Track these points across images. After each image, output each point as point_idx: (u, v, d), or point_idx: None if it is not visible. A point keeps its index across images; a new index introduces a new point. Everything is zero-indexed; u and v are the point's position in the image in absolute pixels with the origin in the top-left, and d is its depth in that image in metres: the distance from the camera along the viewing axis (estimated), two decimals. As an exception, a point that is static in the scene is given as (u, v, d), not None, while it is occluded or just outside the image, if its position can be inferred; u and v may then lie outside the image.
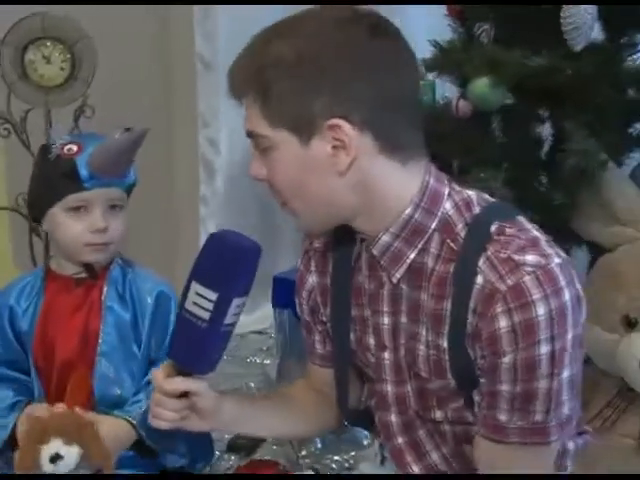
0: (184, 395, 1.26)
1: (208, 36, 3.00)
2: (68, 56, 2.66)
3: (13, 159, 2.99)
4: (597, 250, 2.15)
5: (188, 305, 1.19)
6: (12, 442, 1.57)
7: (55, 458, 1.44)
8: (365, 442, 2.16)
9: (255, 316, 3.27)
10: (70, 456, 1.44)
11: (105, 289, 1.62)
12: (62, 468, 1.45)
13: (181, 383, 1.25)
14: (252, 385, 2.69)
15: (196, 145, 3.12)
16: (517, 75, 1.83)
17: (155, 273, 1.74)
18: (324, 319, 1.44)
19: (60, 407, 1.49)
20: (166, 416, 1.27)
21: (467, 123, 1.98)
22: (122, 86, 3.03)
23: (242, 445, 2.22)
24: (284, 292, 2.38)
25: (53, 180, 1.54)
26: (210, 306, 1.17)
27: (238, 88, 1.22)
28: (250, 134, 1.23)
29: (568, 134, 1.85)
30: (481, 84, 1.87)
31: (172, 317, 1.63)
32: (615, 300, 2.02)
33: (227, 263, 1.18)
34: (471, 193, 1.26)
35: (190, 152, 3.15)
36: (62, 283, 1.63)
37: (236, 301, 1.18)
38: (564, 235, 2.04)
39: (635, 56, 2.07)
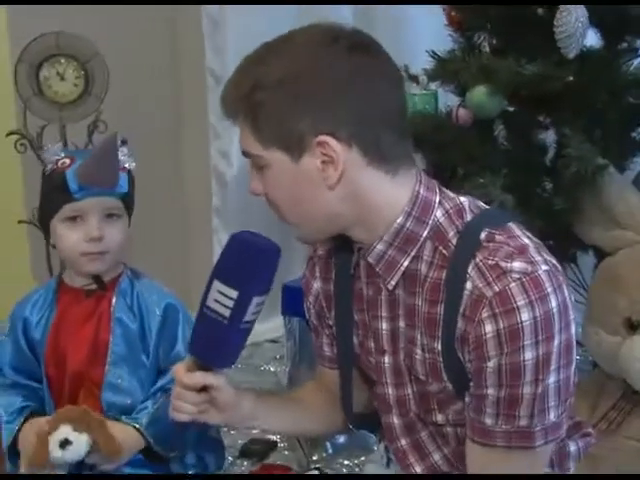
0: (204, 389, 1.31)
1: (218, 50, 3.03)
2: (82, 73, 2.72)
3: (30, 174, 3.04)
4: (602, 254, 2.17)
5: (210, 302, 1.23)
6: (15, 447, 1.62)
7: (64, 443, 1.48)
8: (375, 447, 2.18)
9: (269, 325, 3.26)
10: (79, 443, 1.49)
11: (114, 300, 1.66)
12: (71, 454, 1.48)
13: (201, 377, 1.29)
14: (264, 392, 2.69)
15: (208, 157, 3.15)
16: (512, 83, 1.85)
17: (163, 285, 1.77)
18: (330, 323, 1.48)
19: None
20: (186, 409, 1.32)
21: (468, 131, 2.01)
22: (134, 101, 3.08)
23: (255, 450, 2.25)
24: (293, 300, 2.38)
25: (49, 194, 1.61)
26: (231, 304, 1.21)
27: (229, 110, 1.28)
28: (246, 154, 1.28)
29: (566, 140, 1.87)
30: (478, 92, 1.90)
31: (180, 328, 1.68)
32: (616, 303, 2.04)
33: (247, 263, 1.23)
34: (464, 200, 1.29)
35: (202, 164, 3.18)
36: (73, 295, 1.68)
37: (256, 299, 1.23)
38: (569, 240, 2.07)
39: (634, 62, 2.09)
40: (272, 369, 3.01)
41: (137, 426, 1.60)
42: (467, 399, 1.26)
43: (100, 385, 1.63)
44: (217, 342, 1.26)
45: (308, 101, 1.20)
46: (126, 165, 1.64)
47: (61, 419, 1.51)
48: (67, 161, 1.58)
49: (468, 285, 1.20)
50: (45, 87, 2.73)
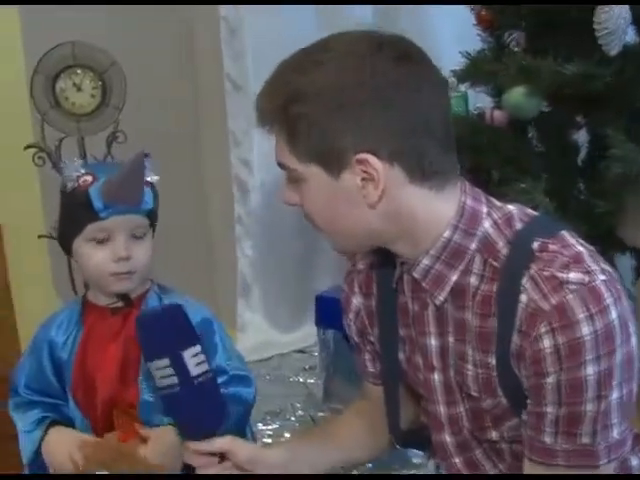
0: (223, 458, 1.33)
1: (236, 56, 2.98)
2: (99, 83, 2.67)
3: (49, 187, 2.99)
4: (642, 257, 2.11)
5: (158, 384, 1.32)
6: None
7: None
8: (415, 460, 2.13)
9: (296, 335, 3.28)
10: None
11: None
12: None
13: (207, 445, 1.32)
14: (298, 405, 2.67)
15: (229, 165, 3.11)
16: (553, 83, 1.79)
17: (192, 297, 1.71)
18: (372, 339, 1.44)
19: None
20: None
21: (503, 133, 1.94)
22: (152, 110, 3.03)
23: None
24: (328, 311, 2.38)
25: (71, 212, 1.54)
26: (170, 370, 1.29)
27: (265, 120, 1.22)
28: (280, 165, 1.23)
29: (608, 140, 1.80)
30: (516, 94, 1.84)
31: (216, 339, 1.63)
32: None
33: (157, 331, 1.33)
34: (512, 208, 1.24)
35: (223, 172, 3.14)
36: (99, 313, 1.62)
37: (187, 353, 1.30)
38: (608, 243, 2.00)
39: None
40: (301, 380, 2.96)
41: None
42: (524, 417, 1.21)
43: (135, 405, 1.57)
44: (189, 410, 1.31)
45: (350, 116, 1.14)
46: (149, 179, 1.58)
47: (93, 463, 1.47)
48: (89, 178, 1.52)
49: (523, 298, 1.15)
50: (62, 99, 2.67)
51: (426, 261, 1.22)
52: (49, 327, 1.64)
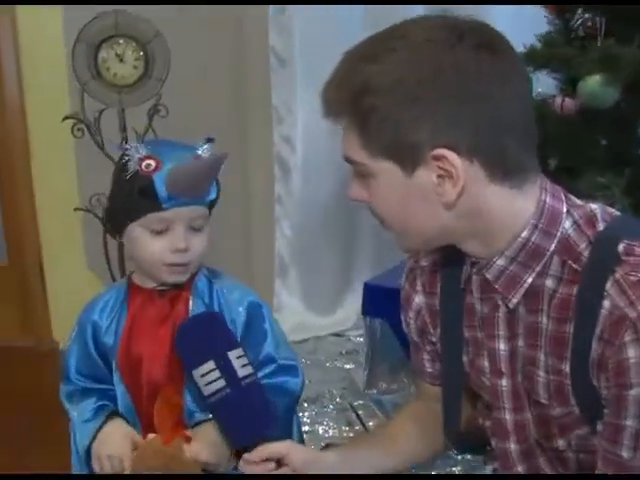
0: (279, 464, 1.30)
1: (282, 31, 2.90)
2: (141, 54, 2.61)
3: (87, 160, 2.95)
4: None
5: (206, 392, 1.31)
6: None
7: None
8: (459, 457, 2.06)
9: (333, 318, 3.23)
10: None
11: (191, 301, 1.54)
12: None
13: (262, 450, 1.29)
14: (335, 392, 2.60)
15: (270, 143, 3.04)
16: (633, 72, 1.68)
17: (240, 281, 1.65)
18: (433, 339, 1.38)
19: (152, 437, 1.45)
20: None
21: (571, 122, 1.85)
22: (195, 84, 2.98)
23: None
24: (376, 300, 2.33)
25: (131, 197, 1.44)
26: (217, 373, 1.30)
27: (333, 111, 1.15)
28: (348, 159, 1.16)
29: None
30: (593, 82, 1.75)
31: (266, 325, 1.56)
32: None
33: (198, 337, 1.35)
34: (594, 207, 1.17)
35: (264, 150, 3.07)
36: (145, 296, 1.56)
37: (232, 354, 1.32)
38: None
39: None
40: (339, 365, 2.90)
41: None
42: (599, 427, 1.15)
43: (181, 391, 1.51)
44: (241, 412, 1.31)
45: (427, 109, 1.06)
46: None
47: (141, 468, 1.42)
48: (152, 163, 1.43)
49: (606, 304, 1.08)
50: (103, 69, 2.62)
51: (500, 262, 1.16)
52: (92, 310, 1.58)
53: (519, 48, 2.06)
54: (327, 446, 2.14)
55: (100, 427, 1.49)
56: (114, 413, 1.52)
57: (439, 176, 1.09)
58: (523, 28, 2.22)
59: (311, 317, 3.21)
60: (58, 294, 3.39)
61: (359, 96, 1.08)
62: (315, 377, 2.73)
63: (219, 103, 3.04)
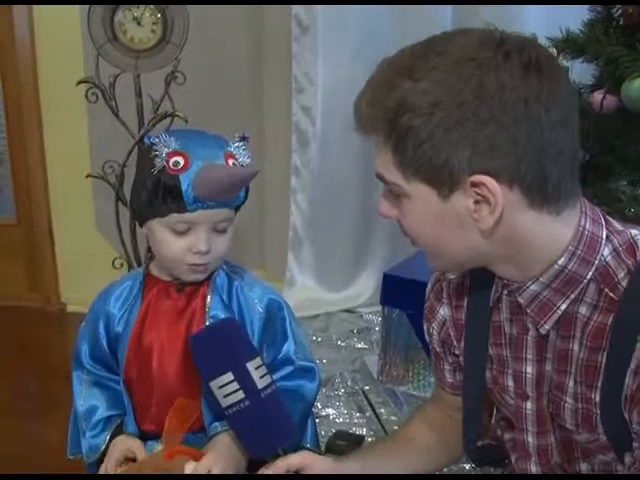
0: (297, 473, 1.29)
1: (306, -2, 2.81)
2: (159, 18, 2.52)
3: (101, 125, 2.88)
4: None
5: (224, 403, 1.28)
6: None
7: None
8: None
9: (344, 295, 3.19)
10: None
11: (209, 297, 1.49)
12: None
13: (282, 462, 1.28)
14: (346, 375, 2.57)
15: (289, 113, 2.97)
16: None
17: (261, 279, 1.60)
18: (456, 352, 1.34)
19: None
20: None
21: (609, 119, 1.77)
22: (214, 51, 2.90)
23: (340, 447, 2.11)
24: (394, 291, 2.29)
25: (155, 194, 1.39)
26: (236, 385, 1.27)
27: (366, 126, 1.08)
28: (380, 177, 1.10)
29: None
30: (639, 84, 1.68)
31: (286, 324, 1.53)
32: None
33: (218, 346, 1.31)
34: (635, 232, 1.11)
35: (283, 120, 2.99)
36: (162, 288, 1.51)
37: (250, 365, 1.28)
38: None
39: None
40: (350, 344, 2.87)
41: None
42: (628, 460, 1.12)
43: (198, 391, 1.46)
44: (260, 424, 1.29)
45: (467, 133, 1.00)
46: (244, 164, 1.43)
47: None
48: (181, 161, 1.37)
49: None
50: (120, 33, 2.52)
51: (534, 287, 1.11)
52: (107, 299, 1.54)
53: (557, 33, 2.00)
54: (337, 433, 2.13)
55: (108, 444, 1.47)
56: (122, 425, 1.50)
57: (476, 202, 1.03)
58: (563, 11, 2.15)
59: (323, 293, 3.17)
60: (67, 255, 3.36)
61: (395, 115, 1.02)
62: (326, 356, 2.72)
63: (238, 71, 2.97)
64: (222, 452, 1.39)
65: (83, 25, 2.60)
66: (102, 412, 1.51)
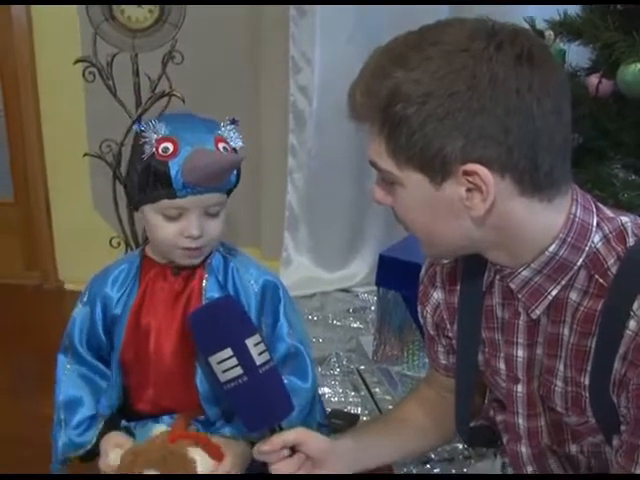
0: (294, 451, 1.29)
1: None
2: (157, -4, 2.52)
3: (98, 104, 2.88)
4: None
5: (222, 379, 1.28)
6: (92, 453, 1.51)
7: None
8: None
9: (340, 274, 3.20)
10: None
11: (205, 279, 1.51)
12: None
13: (277, 438, 1.27)
14: (342, 354, 2.60)
15: (286, 92, 2.96)
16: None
17: (257, 260, 1.61)
18: (450, 335, 1.36)
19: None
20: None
21: (604, 103, 1.78)
22: (212, 31, 2.89)
23: (337, 426, 2.14)
24: (390, 272, 2.30)
25: (145, 180, 1.40)
26: (235, 360, 1.27)
27: (359, 115, 1.09)
28: (374, 165, 1.11)
29: None
30: (635, 69, 1.68)
31: (281, 306, 1.54)
32: None
33: (216, 323, 1.31)
34: (625, 220, 1.13)
35: (280, 100, 2.99)
36: (159, 271, 1.52)
37: (249, 342, 1.28)
38: None
39: None
40: (346, 323, 2.89)
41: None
42: (615, 442, 1.12)
43: (193, 372, 1.49)
44: (258, 400, 1.28)
45: (460, 123, 1.01)
46: (235, 147, 1.44)
47: (143, 463, 1.39)
48: (170, 147, 1.37)
49: (632, 325, 1.05)
50: (117, 12, 2.52)
51: (526, 273, 1.13)
52: (104, 281, 1.54)
53: (555, 15, 2.00)
54: (333, 412, 2.16)
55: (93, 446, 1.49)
56: (108, 423, 1.51)
57: (468, 190, 1.05)
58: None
59: (319, 272, 3.18)
60: (64, 234, 3.36)
61: (389, 105, 1.03)
62: (321, 335, 2.75)
63: (235, 50, 2.96)
64: (237, 455, 1.44)
65: (80, 4, 2.60)
66: (87, 410, 1.52)
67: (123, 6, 2.51)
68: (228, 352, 1.26)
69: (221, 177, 1.39)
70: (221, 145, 1.39)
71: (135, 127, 1.43)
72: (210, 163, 1.36)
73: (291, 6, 2.80)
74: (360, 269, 3.19)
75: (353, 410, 2.27)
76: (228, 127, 1.43)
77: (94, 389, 1.54)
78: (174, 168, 1.36)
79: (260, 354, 1.29)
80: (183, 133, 1.38)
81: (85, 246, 3.22)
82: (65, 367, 1.56)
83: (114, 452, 1.45)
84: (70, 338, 1.55)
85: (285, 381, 1.41)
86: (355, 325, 2.85)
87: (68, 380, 1.55)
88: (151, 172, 1.37)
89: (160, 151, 1.36)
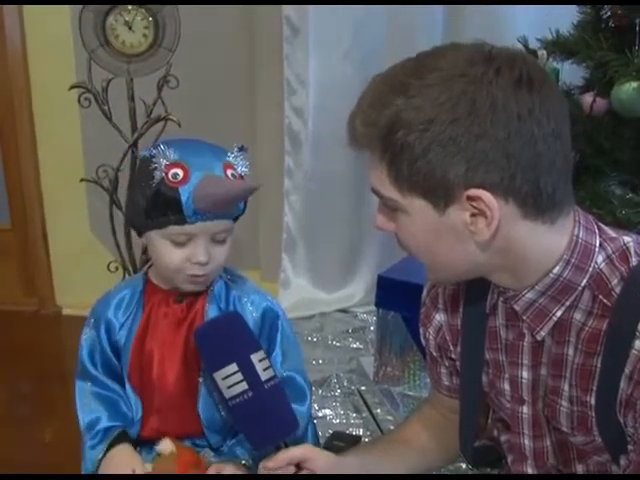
0: (299, 468, 1.29)
1: (297, -1, 2.81)
2: (151, 22, 2.52)
3: (94, 129, 2.89)
4: None
5: (227, 395, 1.28)
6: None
7: None
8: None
9: (339, 295, 3.20)
10: None
11: (207, 306, 1.50)
12: None
13: (283, 455, 1.27)
14: (342, 375, 2.59)
15: (282, 115, 2.97)
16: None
17: (260, 286, 1.61)
18: (453, 356, 1.35)
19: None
20: None
21: (599, 121, 1.78)
22: (206, 54, 2.90)
23: (338, 447, 2.13)
24: (389, 293, 2.30)
25: (154, 206, 1.39)
26: (239, 376, 1.27)
27: (360, 143, 1.09)
28: (376, 192, 1.11)
29: None
30: (629, 90, 1.68)
31: (278, 335, 1.53)
32: None
33: (222, 339, 1.32)
34: (628, 240, 1.13)
35: (275, 122, 3.00)
36: (162, 297, 1.52)
37: (254, 357, 1.29)
38: None
39: None
40: (345, 344, 2.88)
41: (244, 463, 1.46)
42: (623, 462, 1.13)
43: (196, 399, 1.48)
44: (263, 415, 1.28)
45: (462, 148, 1.01)
46: (242, 174, 1.44)
47: None
48: (180, 174, 1.37)
49: (637, 344, 1.05)
50: (112, 37, 2.53)
51: (530, 295, 1.13)
52: (108, 305, 1.53)
53: (548, 34, 2.01)
54: (334, 434, 2.14)
55: (104, 454, 1.46)
56: (121, 435, 1.49)
57: (472, 215, 1.04)
58: (553, 12, 2.15)
59: (317, 293, 3.18)
60: (61, 259, 3.36)
61: (390, 131, 1.02)
62: (322, 356, 2.74)
63: (230, 74, 2.97)
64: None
65: (74, 29, 2.61)
66: (103, 422, 1.50)
67: (118, 31, 2.52)
68: (233, 367, 1.26)
69: (232, 205, 1.39)
70: (229, 172, 1.39)
71: (143, 152, 1.42)
72: (222, 191, 1.36)
73: (284, 25, 2.81)
74: (358, 289, 3.19)
75: (355, 432, 2.26)
76: (236, 153, 1.42)
77: (111, 405, 1.53)
78: (184, 194, 1.35)
79: (265, 370, 1.29)
80: (192, 159, 1.37)
81: (83, 271, 3.22)
82: (82, 392, 1.54)
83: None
84: (82, 362, 1.54)
85: None
86: (355, 345, 2.85)
87: (86, 405, 1.53)
88: (161, 198, 1.36)
89: (170, 177, 1.35)
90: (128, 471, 1.42)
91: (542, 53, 1.92)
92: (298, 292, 3.15)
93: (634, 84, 1.72)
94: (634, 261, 1.09)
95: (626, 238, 1.13)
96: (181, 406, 1.49)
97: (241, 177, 1.43)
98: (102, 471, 1.45)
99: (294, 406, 1.47)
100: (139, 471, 1.42)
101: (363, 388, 2.48)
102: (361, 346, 2.84)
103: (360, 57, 2.83)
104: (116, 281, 2.36)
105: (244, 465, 1.45)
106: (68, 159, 3.11)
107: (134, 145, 2.64)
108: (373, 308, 2.60)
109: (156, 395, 1.50)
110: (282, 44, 2.86)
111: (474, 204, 1.03)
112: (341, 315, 3.11)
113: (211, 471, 1.41)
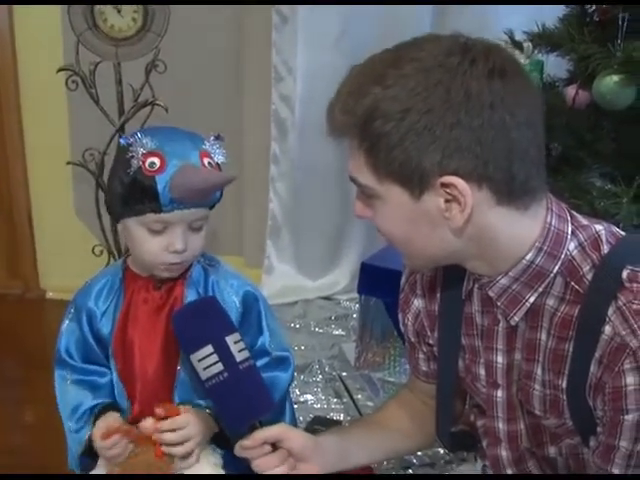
0: (275, 448, 1.30)
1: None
2: (140, 7, 2.53)
3: (81, 113, 2.88)
4: None
5: (204, 376, 1.30)
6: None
7: None
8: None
9: (322, 282, 3.21)
10: None
11: (185, 291, 1.52)
12: None
13: (259, 434, 1.29)
14: (324, 361, 2.61)
15: (269, 101, 2.98)
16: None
17: (241, 272, 1.62)
18: (430, 342, 1.39)
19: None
20: (274, 472, 1.29)
21: (581, 113, 1.80)
22: (195, 40, 2.90)
23: (319, 432, 2.15)
24: (372, 280, 2.32)
25: (131, 194, 1.40)
26: (215, 357, 1.29)
27: (339, 132, 1.11)
28: (354, 180, 1.13)
29: None
30: (611, 83, 1.70)
31: (261, 316, 1.54)
32: None
33: (197, 321, 1.35)
34: (599, 228, 1.16)
35: (262, 109, 3.01)
36: (141, 284, 1.53)
37: (229, 339, 1.31)
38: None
39: None
40: (328, 331, 2.90)
41: (209, 411, 1.47)
42: (592, 443, 1.16)
43: (173, 383, 1.49)
44: (239, 395, 1.31)
45: (437, 137, 1.03)
46: (219, 162, 1.45)
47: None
48: (157, 162, 1.37)
49: (607, 329, 1.08)
50: (100, 21, 2.54)
51: (504, 281, 1.16)
52: (88, 295, 1.54)
53: (534, 27, 2.03)
54: (315, 419, 2.17)
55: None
56: (107, 406, 1.50)
57: (447, 201, 1.07)
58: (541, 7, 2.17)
59: (301, 280, 3.20)
60: (46, 242, 3.36)
61: (368, 121, 1.05)
62: (304, 342, 2.76)
63: (218, 60, 2.98)
64: (198, 415, 1.43)
65: (63, 12, 2.60)
66: (88, 403, 1.51)
67: (106, 15, 2.53)
68: (209, 349, 1.28)
69: (209, 195, 1.40)
70: (206, 160, 1.39)
71: (120, 141, 1.43)
72: (198, 181, 1.37)
73: (273, 13, 2.82)
74: (342, 277, 3.21)
75: (336, 417, 2.28)
76: (212, 142, 1.43)
77: (94, 386, 1.54)
78: (161, 183, 1.36)
79: (240, 351, 1.31)
80: (168, 147, 1.38)
81: (67, 255, 3.22)
82: (63, 379, 1.55)
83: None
84: (59, 352, 1.55)
85: (267, 377, 1.42)
86: (337, 332, 2.87)
87: (67, 392, 1.54)
88: (137, 186, 1.37)
89: (147, 166, 1.36)
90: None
91: (528, 45, 1.94)
92: (282, 279, 3.16)
93: (615, 77, 1.73)
94: (605, 249, 1.12)
95: (598, 226, 1.16)
96: (160, 397, 1.49)
97: (218, 166, 1.43)
98: (94, 440, 1.45)
99: (277, 373, 1.50)
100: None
101: (344, 374, 2.50)
102: (343, 333, 2.86)
103: (349, 47, 2.83)
104: (101, 265, 2.38)
105: (208, 414, 1.46)
106: (54, 142, 3.10)
107: (121, 129, 2.65)
108: (356, 296, 2.62)
109: (138, 384, 1.51)
110: (271, 31, 2.86)
111: (448, 190, 1.06)
112: (324, 302, 3.13)
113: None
